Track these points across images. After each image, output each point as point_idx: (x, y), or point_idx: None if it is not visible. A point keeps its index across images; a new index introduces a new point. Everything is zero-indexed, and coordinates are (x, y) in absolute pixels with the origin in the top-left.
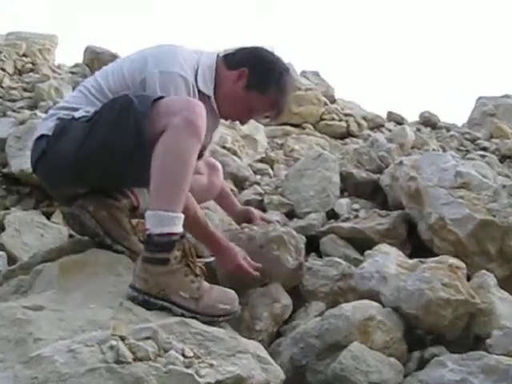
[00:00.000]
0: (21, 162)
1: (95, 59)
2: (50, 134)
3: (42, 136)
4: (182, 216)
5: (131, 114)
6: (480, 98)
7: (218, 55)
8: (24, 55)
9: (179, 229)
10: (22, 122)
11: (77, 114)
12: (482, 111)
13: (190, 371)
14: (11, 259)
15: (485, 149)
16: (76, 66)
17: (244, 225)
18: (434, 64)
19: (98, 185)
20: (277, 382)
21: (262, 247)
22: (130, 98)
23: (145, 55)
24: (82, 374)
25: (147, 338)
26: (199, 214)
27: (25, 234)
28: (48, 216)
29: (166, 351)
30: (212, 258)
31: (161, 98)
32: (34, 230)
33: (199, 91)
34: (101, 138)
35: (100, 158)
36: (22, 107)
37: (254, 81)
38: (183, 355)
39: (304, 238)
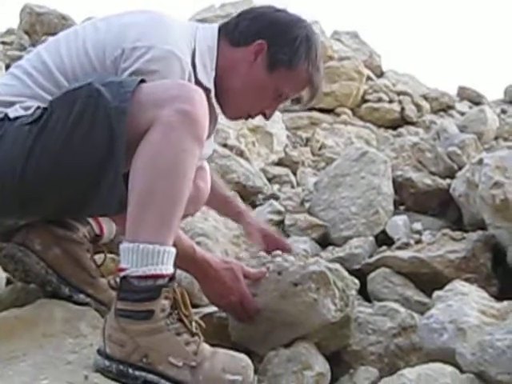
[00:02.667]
0: None
1: (36, 23)
2: None
3: None
4: (174, 251)
5: (100, 111)
6: None
7: (219, 29)
8: None
9: (169, 269)
10: None
11: (11, 112)
12: None
13: None
14: None
15: None
16: (9, 32)
17: (276, 252)
18: None
19: (49, 215)
20: None
21: (297, 285)
22: (96, 87)
23: (121, 23)
24: None
25: None
26: (183, 239)
27: None
28: None
29: None
30: (214, 308)
31: (141, 81)
32: None
33: (197, 82)
34: (54, 149)
35: (54, 180)
36: None
37: (277, 55)
38: None
39: (357, 281)
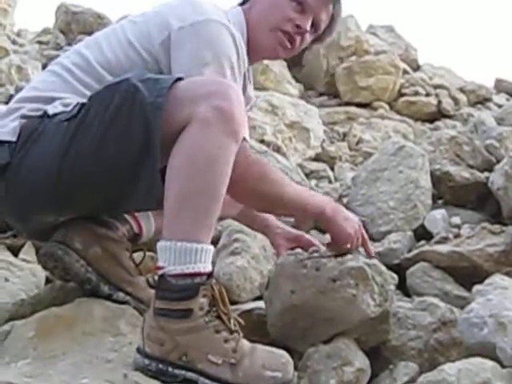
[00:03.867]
0: None
1: (72, 22)
2: (13, 139)
3: (1, 143)
4: (212, 249)
5: (136, 106)
6: None
7: (244, 11)
8: None
9: (207, 267)
10: None
11: (51, 109)
12: None
13: None
14: None
15: None
16: (45, 31)
17: (313, 248)
18: None
19: (88, 211)
20: None
21: (335, 281)
22: (133, 82)
23: (158, 11)
24: None
25: None
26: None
27: None
28: (15, 252)
29: None
30: (253, 305)
31: (178, 79)
32: None
33: None
34: (92, 144)
35: (91, 176)
36: None
37: None
38: None
39: (396, 276)
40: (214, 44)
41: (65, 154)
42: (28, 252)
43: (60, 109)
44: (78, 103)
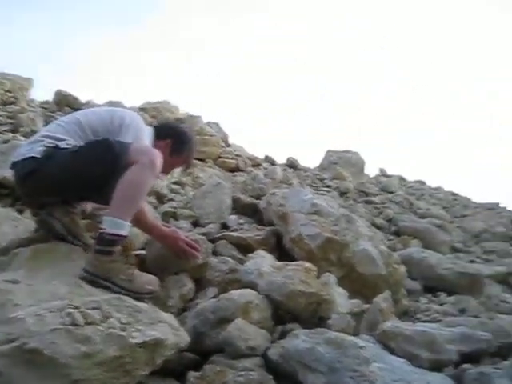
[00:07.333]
0: (3, 171)
1: (62, 99)
2: (38, 156)
3: (31, 157)
4: (130, 224)
5: (110, 154)
6: (328, 151)
7: (154, 127)
8: (8, 91)
9: (126, 232)
10: (5, 142)
11: (61, 144)
12: (329, 160)
13: (124, 334)
14: None
15: (329, 186)
16: (46, 102)
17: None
18: (297, 122)
19: (71, 198)
20: (184, 343)
21: None
22: (111, 141)
23: (119, 110)
24: (46, 332)
25: (94, 308)
26: (149, 218)
27: (3, 224)
28: (20, 212)
29: (107, 318)
30: (142, 252)
31: (131, 143)
32: (10, 223)
33: None
34: (84, 167)
35: (79, 182)
36: (5, 130)
37: (174, 149)
38: (119, 322)
39: (211, 245)
40: (142, 135)
41: (67, 169)
42: (27, 213)
43: (65, 146)
44: (75, 145)
